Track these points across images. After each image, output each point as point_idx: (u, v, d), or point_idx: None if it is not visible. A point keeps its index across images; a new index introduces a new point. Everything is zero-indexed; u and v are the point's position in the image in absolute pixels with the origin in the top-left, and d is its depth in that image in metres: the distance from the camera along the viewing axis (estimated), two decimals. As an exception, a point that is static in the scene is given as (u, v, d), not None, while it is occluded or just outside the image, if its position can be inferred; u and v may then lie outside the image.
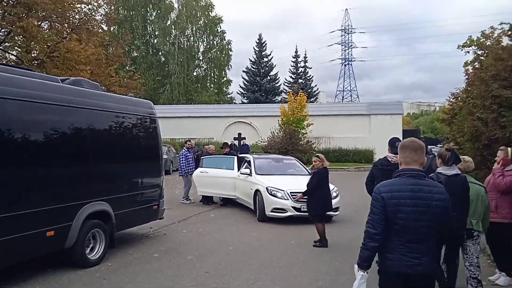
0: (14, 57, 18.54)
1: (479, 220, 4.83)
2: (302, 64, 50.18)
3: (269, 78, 47.80)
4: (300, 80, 49.02)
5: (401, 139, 6.78)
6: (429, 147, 32.95)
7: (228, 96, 48.69)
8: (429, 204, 2.86)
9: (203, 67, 46.15)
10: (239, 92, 48.00)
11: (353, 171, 26.19)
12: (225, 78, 46.94)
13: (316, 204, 7.74)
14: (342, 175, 23.01)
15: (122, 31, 42.62)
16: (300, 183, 9.69)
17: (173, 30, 43.34)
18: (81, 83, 6.50)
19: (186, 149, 12.99)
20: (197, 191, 12.22)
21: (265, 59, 48.23)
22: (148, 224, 8.59)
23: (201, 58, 45.35)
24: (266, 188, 9.83)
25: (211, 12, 44.35)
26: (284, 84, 48.82)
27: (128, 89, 24.67)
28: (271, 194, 9.70)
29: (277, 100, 44.00)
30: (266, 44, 48.12)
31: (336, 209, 9.92)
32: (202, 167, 12.13)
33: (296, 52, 49.79)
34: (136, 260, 6.48)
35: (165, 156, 20.42)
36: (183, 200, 12.50)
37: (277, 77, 48.44)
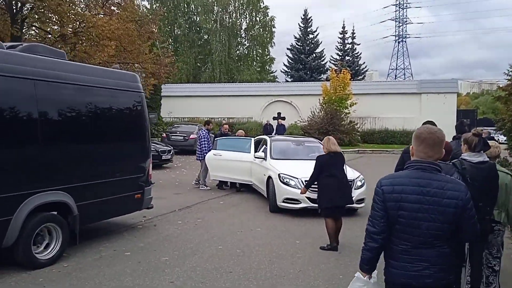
0: (36, 32, 18.12)
1: (502, 211, 4.22)
2: (349, 40, 47.55)
3: (314, 55, 45.72)
4: (347, 58, 46.54)
5: (435, 122, 5.91)
6: (485, 129, 30.01)
7: (271, 74, 47.18)
8: (438, 201, 2.39)
9: (245, 45, 44.84)
10: (282, 71, 46.43)
11: (398, 153, 24.01)
12: (268, 56, 45.39)
13: (321, 196, 6.45)
14: (386, 157, 21.14)
15: (162, 8, 42.39)
16: (319, 169, 8.35)
17: (215, 7, 42.18)
18: (37, 50, 5.50)
19: (206, 131, 11.84)
20: (210, 176, 11.13)
21: (311, 36, 46.09)
22: (141, 213, 7.65)
23: (243, 35, 43.98)
24: (279, 175, 8.55)
25: (255, -13, 42.67)
26: (330, 62, 46.49)
27: (161, 67, 24.04)
28: (283, 182, 8.42)
29: (322, 79, 41.98)
30: (312, 20, 45.94)
31: (361, 201, 8.52)
32: (215, 149, 11.01)
33: (343, 28, 47.33)
34: (100, 261, 5.49)
35: (194, 136, 19.69)
36: (197, 185, 11.49)
37: (323, 55, 46.28)
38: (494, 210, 4.14)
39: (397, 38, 79.74)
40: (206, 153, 11.19)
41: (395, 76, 76.48)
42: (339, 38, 47.45)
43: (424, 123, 5.91)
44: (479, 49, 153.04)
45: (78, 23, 17.45)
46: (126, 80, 6.62)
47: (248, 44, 44.64)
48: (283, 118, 29.37)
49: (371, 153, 24.40)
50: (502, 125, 10.27)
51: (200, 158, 11.49)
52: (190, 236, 6.76)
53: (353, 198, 8.11)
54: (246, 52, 45.02)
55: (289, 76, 45.62)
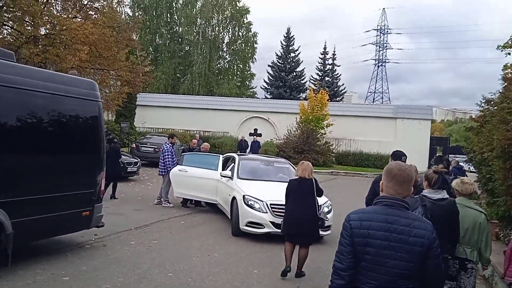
0: (8, 32, 17.38)
1: (474, 249, 4.19)
2: (330, 61, 47.92)
3: (294, 74, 45.82)
4: (327, 78, 46.83)
5: (405, 152, 6.02)
6: (451, 156, 30.35)
7: (251, 90, 47.02)
8: (405, 239, 2.32)
9: (226, 59, 44.65)
10: (262, 87, 46.29)
11: (371, 177, 24.03)
12: (248, 72, 45.29)
13: (283, 220, 6.30)
14: (359, 180, 21.02)
15: (143, 16, 41.92)
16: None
17: (198, 20, 41.96)
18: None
19: (169, 144, 11.26)
20: (173, 192, 10.62)
21: (292, 54, 46.23)
22: (92, 230, 7.10)
23: (225, 49, 43.83)
24: (243, 196, 8.14)
25: (239, 2, 42.72)
26: (310, 81, 46.65)
27: (138, 75, 23.48)
28: (247, 205, 8.01)
29: (301, 97, 42.03)
30: (294, 38, 46.13)
31: (327, 228, 8.16)
32: (181, 164, 10.53)
33: (324, 48, 47.58)
34: (32, 286, 4.93)
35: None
36: (159, 202, 10.89)
37: (303, 74, 46.40)
38: (466, 248, 4.17)
39: (377, 62, 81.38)
40: (170, 168, 10.70)
41: (373, 99, 77.80)
42: (320, 58, 47.76)
43: (393, 152, 5.93)
44: (456, 78, 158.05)
45: (50, 25, 16.83)
46: (81, 87, 6.14)
47: (229, 58, 44.49)
48: (259, 135, 29.04)
49: (345, 175, 24.28)
50: (473, 156, 10.14)
51: (163, 173, 10.95)
52: (140, 260, 6.25)
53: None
54: (227, 66, 44.83)
55: (269, 93, 45.50)
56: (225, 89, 39.67)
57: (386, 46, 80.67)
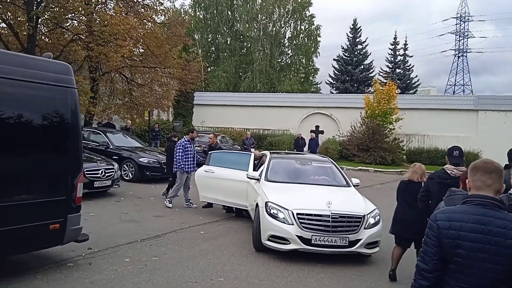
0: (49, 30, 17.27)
1: None
2: (401, 52, 44.35)
3: (362, 67, 43.00)
4: (398, 70, 43.43)
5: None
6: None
7: (315, 86, 44.92)
8: (501, 242, 2.13)
9: (289, 54, 42.93)
10: (328, 82, 44.05)
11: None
12: (312, 67, 43.23)
13: (392, 221, 6.06)
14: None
15: (207, 16, 41.64)
16: (322, 199, 6.38)
17: (259, 15, 40.76)
18: None
19: (187, 140, 10.04)
20: (199, 196, 9.33)
21: (359, 47, 43.45)
22: (87, 244, 6.05)
23: (287, 44, 42.15)
24: (266, 203, 6.60)
25: (301, -6, 40.88)
26: (379, 74, 43.53)
27: (190, 73, 22.81)
28: (269, 214, 6.45)
29: (370, 92, 39.27)
30: (361, 30, 43.31)
31: (373, 244, 6.44)
32: (208, 164, 9.21)
33: (395, 38, 44.14)
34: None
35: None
36: (187, 205, 9.76)
37: (372, 67, 43.42)
38: None
39: (456, 52, 74.74)
40: (180, 164, 9.66)
41: (453, 92, 71.54)
42: (390, 49, 44.46)
43: (449, 148, 5.37)
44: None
45: (91, 21, 16.41)
46: (48, 70, 4.99)
47: (291, 54, 42.72)
48: (321, 132, 27.21)
49: (415, 175, 21.58)
50: None
51: (175, 170, 9.91)
52: (121, 285, 4.97)
53: (362, 240, 6.08)
54: (289, 62, 43.10)
55: (334, 88, 43.18)
56: (287, 85, 38.02)
57: (467, 35, 73.73)
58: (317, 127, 27.60)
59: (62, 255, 5.88)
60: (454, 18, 73.16)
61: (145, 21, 19.44)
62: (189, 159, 9.66)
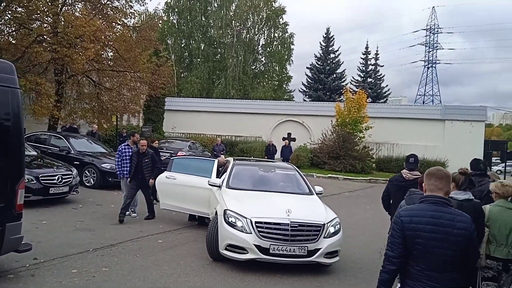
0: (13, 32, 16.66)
1: None
2: (373, 62, 45.11)
3: (334, 76, 43.43)
4: (369, 79, 44.10)
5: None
6: (510, 162, 26.78)
7: (289, 94, 45.07)
8: (449, 232, 2.77)
9: (262, 61, 42.97)
10: (301, 90, 44.29)
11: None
12: (285, 74, 43.37)
13: None
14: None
15: (180, 21, 41.27)
16: (282, 207, 6.23)
17: (233, 22, 40.70)
18: None
19: (126, 145, 9.62)
20: (160, 204, 9.02)
21: (332, 55, 43.93)
22: (32, 253, 5.68)
23: (260, 51, 42.19)
24: (224, 211, 6.39)
25: (275, 2, 41.07)
26: (351, 83, 44.10)
27: (160, 77, 22.43)
28: (227, 222, 6.24)
29: (342, 100, 39.69)
30: (334, 39, 43.79)
31: (333, 254, 6.29)
32: (169, 170, 8.93)
33: (366, 48, 44.80)
34: None
35: (181, 153, 17.67)
36: (130, 213, 9.33)
37: (344, 75, 43.90)
38: (511, 249, 4.20)
39: (426, 63, 76.79)
40: (121, 172, 9.40)
41: (423, 102, 73.22)
42: (361, 58, 45.14)
43: (407, 156, 6.32)
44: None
45: (55, 22, 15.90)
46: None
47: (265, 61, 42.78)
48: (293, 139, 27.21)
49: (384, 183, 21.71)
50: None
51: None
52: (62, 299, 4.66)
53: (322, 250, 5.97)
54: (263, 69, 43.15)
55: (307, 96, 43.44)
56: (260, 92, 37.96)
57: (437, 46, 75.93)
58: (289, 134, 27.63)
59: (4, 266, 5.51)
60: (424, 29, 75.19)
61: (114, 23, 19.04)
62: (124, 164, 9.32)
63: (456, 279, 2.80)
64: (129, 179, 9.12)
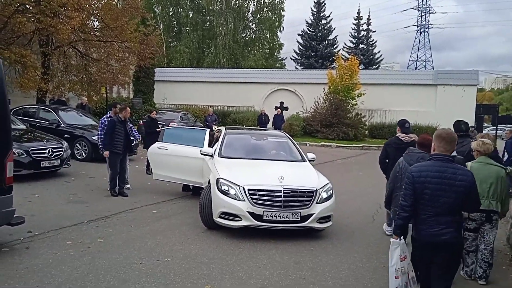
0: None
1: (498, 201, 4.80)
2: (365, 27, 44.55)
3: (326, 42, 42.97)
4: (361, 45, 43.67)
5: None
6: (501, 126, 27.06)
7: (280, 62, 44.60)
8: (452, 183, 3.33)
9: (253, 29, 42.22)
10: (292, 58, 43.81)
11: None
12: (276, 42, 42.77)
13: None
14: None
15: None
16: (275, 175, 6.25)
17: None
18: None
19: (109, 117, 8.95)
20: (153, 175, 8.99)
21: (323, 21, 43.31)
22: (26, 227, 5.68)
23: (250, 18, 41.38)
24: (217, 180, 6.39)
25: (264, -34, 39.97)
26: (343, 50, 43.68)
27: (148, 46, 21.92)
28: (220, 191, 6.25)
29: (334, 67, 39.32)
30: (325, 4, 43.09)
31: (325, 219, 6.35)
32: (161, 141, 8.86)
33: (358, 13, 44.21)
34: None
35: (174, 124, 17.55)
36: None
37: (336, 42, 43.42)
38: (492, 200, 4.78)
39: (419, 28, 75.98)
40: (102, 143, 8.70)
41: (416, 68, 72.91)
42: (353, 24, 44.55)
43: (399, 121, 6.91)
44: (508, 43, 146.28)
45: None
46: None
47: (255, 28, 42.04)
48: (286, 108, 27.02)
49: (377, 149, 21.84)
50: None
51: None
52: (59, 270, 4.68)
53: (314, 215, 6.03)
54: (253, 37, 42.45)
55: (299, 64, 43.06)
56: (251, 61, 37.49)
57: (429, 10, 74.98)
58: (281, 103, 27.39)
59: (-2, 239, 5.50)
60: (417, -7, 73.95)
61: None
62: (105, 137, 8.62)
63: (457, 221, 3.44)
64: (105, 150, 8.55)
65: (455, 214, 3.40)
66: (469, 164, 4.81)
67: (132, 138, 9.08)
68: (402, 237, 3.51)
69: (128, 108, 8.87)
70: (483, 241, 4.90)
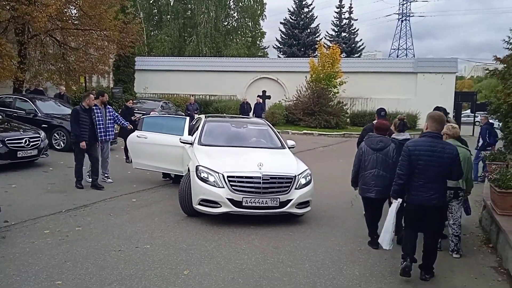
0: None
1: (464, 180, 5.20)
2: (347, 16, 44.63)
3: (308, 31, 42.86)
4: (343, 34, 43.78)
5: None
6: (479, 113, 27.71)
7: (263, 50, 44.42)
8: (441, 156, 4.23)
9: (234, 17, 41.90)
10: (275, 46, 43.68)
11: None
12: (259, 30, 42.55)
13: None
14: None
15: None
16: (254, 161, 6.30)
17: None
18: None
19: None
20: (132, 163, 8.94)
21: (306, 10, 43.16)
22: (4, 215, 5.61)
23: (232, 6, 41.05)
24: (196, 167, 6.39)
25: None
26: (325, 38, 43.71)
27: (128, 35, 21.57)
28: (200, 178, 6.26)
29: (317, 56, 39.35)
30: (307, -8, 42.87)
31: (304, 204, 6.43)
32: (140, 129, 8.79)
33: (340, 2, 44.12)
34: None
35: (154, 113, 17.38)
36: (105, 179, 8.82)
37: (318, 30, 43.37)
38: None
39: (400, 16, 76.52)
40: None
41: (397, 56, 73.54)
42: (335, 12, 44.57)
43: (377, 109, 7.66)
44: (487, 31, 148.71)
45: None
46: None
47: (237, 16, 41.73)
48: (268, 97, 27.03)
49: (357, 136, 22.14)
50: (496, 107, 7.99)
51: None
52: (34, 259, 4.65)
53: (293, 201, 6.09)
54: (235, 25, 42.16)
55: (282, 52, 42.92)
56: (233, 49, 37.25)
57: (410, -1, 75.51)
58: (263, 92, 27.36)
59: (-27, 229, 5.43)
60: (398, -19, 74.27)
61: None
62: (101, 126, 8.42)
63: (443, 188, 4.38)
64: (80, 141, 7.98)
65: (442, 182, 4.30)
66: None
67: (121, 124, 9.14)
68: (399, 199, 4.46)
69: (92, 96, 8.25)
70: (451, 216, 5.29)
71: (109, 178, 8.84)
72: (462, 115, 29.32)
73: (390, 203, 4.77)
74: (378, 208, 5.51)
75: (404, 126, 5.96)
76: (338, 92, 25.62)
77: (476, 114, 27.62)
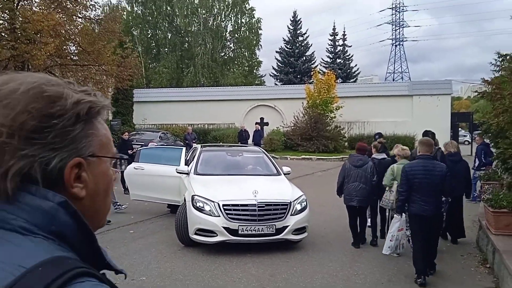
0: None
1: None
2: (341, 43, 45.45)
3: (304, 58, 43.61)
4: (338, 60, 44.46)
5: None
6: (476, 133, 27.91)
7: (260, 79, 45.07)
8: (432, 174, 5.04)
9: (231, 48, 42.74)
10: (272, 74, 44.33)
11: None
12: (255, 59, 43.30)
13: None
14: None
15: (145, 11, 40.50)
16: (249, 189, 6.34)
17: (198, 9, 40.21)
18: None
19: None
20: (130, 195, 8.98)
21: (300, 38, 44.02)
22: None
23: (229, 38, 41.93)
24: (192, 197, 6.44)
25: (240, -12, 40.72)
26: (321, 65, 44.38)
27: (126, 69, 21.99)
28: (195, 208, 6.30)
29: (313, 82, 39.86)
30: (301, 21, 43.86)
31: (300, 230, 6.44)
32: (137, 161, 8.88)
33: (334, 29, 45.05)
34: None
35: (153, 144, 17.55)
36: (116, 208, 9.09)
37: (313, 57, 44.12)
38: None
39: (394, 41, 77.94)
40: None
41: (393, 79, 74.47)
42: (329, 40, 45.41)
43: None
44: (482, 53, 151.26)
45: (13, 18, 15.40)
46: None
47: (233, 47, 42.57)
48: (266, 124, 27.27)
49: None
50: (486, 128, 8.10)
51: None
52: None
53: (289, 227, 6.10)
54: (232, 55, 42.94)
55: (278, 80, 43.52)
56: (230, 78, 37.87)
57: (403, 24, 77.08)
58: (261, 119, 27.63)
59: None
60: (390, 8, 76.09)
61: (74, 17, 18.54)
62: None
63: (440, 201, 5.20)
64: None
65: (436, 196, 5.06)
66: (394, 166, 6.29)
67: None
68: (402, 214, 5.30)
69: None
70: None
71: (123, 206, 9.02)
72: (459, 135, 29.47)
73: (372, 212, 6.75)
74: (361, 215, 6.62)
75: (384, 149, 7.26)
76: (335, 117, 25.83)
77: (473, 135, 27.74)
